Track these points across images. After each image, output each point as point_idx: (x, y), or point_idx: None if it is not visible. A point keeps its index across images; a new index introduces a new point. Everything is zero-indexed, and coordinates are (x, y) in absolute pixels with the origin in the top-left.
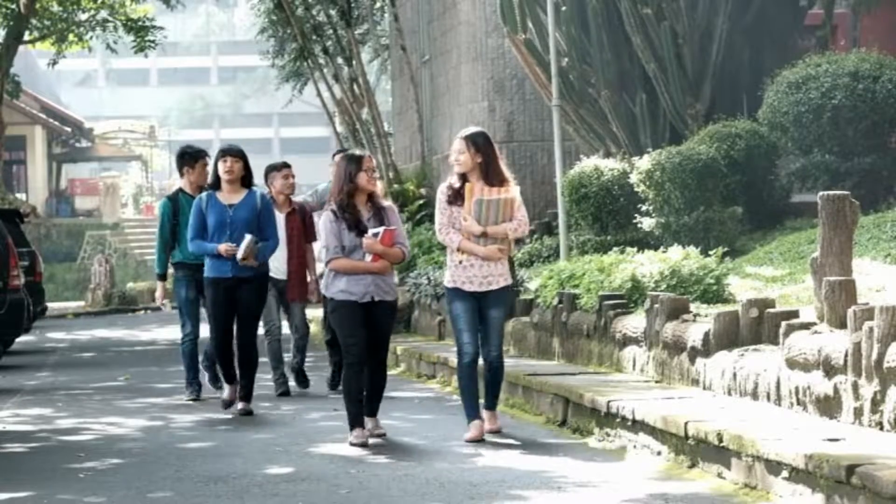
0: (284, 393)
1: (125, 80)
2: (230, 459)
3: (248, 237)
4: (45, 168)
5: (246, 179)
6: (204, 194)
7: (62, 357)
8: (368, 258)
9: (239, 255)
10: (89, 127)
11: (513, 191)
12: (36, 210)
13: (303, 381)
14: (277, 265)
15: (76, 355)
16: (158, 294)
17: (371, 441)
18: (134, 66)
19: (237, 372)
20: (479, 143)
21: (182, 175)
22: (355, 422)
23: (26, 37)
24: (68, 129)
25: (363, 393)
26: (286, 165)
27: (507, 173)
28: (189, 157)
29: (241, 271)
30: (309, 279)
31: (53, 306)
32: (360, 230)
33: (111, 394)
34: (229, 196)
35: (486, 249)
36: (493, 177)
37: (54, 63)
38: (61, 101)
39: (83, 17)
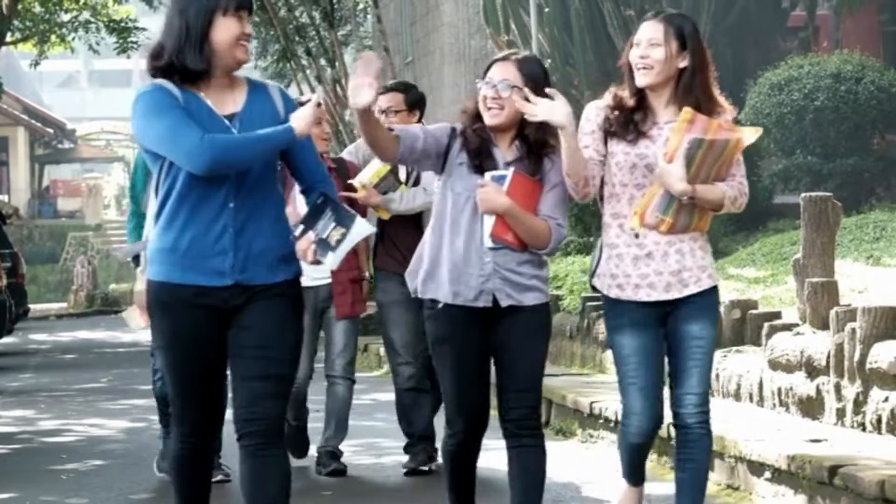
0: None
1: (108, 81)
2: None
3: (362, 223)
4: (27, 169)
5: None
6: (159, 84)
7: (44, 359)
8: (488, 224)
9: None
10: (72, 128)
11: (746, 131)
12: (18, 211)
13: (332, 463)
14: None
15: (59, 357)
16: (140, 286)
17: (361, 442)
18: (116, 67)
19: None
20: (690, 35)
21: None
22: None
23: (8, 38)
24: (51, 131)
25: (474, 481)
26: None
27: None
28: None
29: (256, 272)
30: (362, 278)
31: (36, 308)
32: (484, 169)
33: (94, 395)
34: (221, 94)
35: (683, 183)
36: (698, 97)
37: (36, 64)
38: (44, 102)
39: (65, 18)
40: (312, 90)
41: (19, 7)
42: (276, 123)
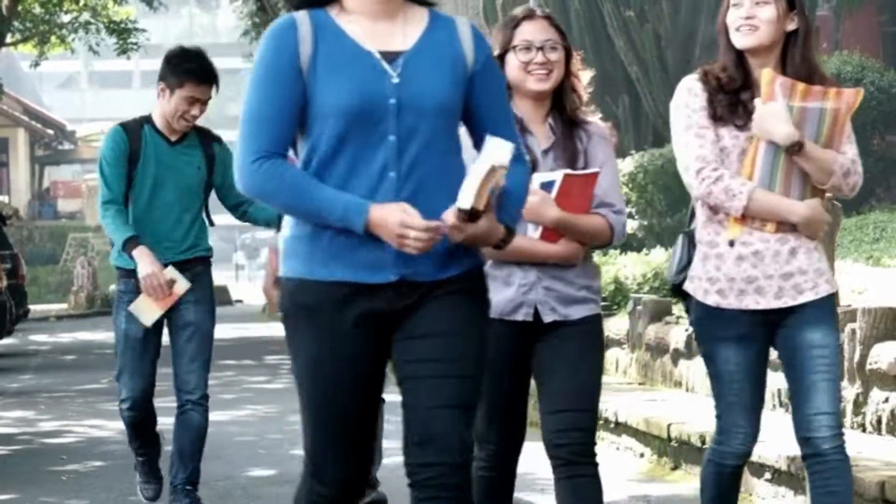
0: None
1: (108, 82)
2: (212, 462)
3: (494, 142)
4: (27, 170)
5: None
6: (287, 21)
7: (45, 360)
8: (534, 232)
9: (453, 216)
10: (72, 129)
11: (845, 94)
12: (18, 212)
13: (369, 492)
14: None
15: (59, 358)
16: (149, 268)
17: None
18: (116, 68)
19: None
20: None
21: (162, 94)
22: None
23: (8, 39)
24: (51, 132)
25: None
26: None
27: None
28: (184, 67)
29: (425, 264)
30: None
31: (36, 309)
32: None
33: (94, 396)
34: (384, 26)
35: (807, 207)
36: (805, 66)
37: (36, 65)
38: (44, 103)
39: (65, 19)
40: None
41: (19, 8)
42: (455, 71)
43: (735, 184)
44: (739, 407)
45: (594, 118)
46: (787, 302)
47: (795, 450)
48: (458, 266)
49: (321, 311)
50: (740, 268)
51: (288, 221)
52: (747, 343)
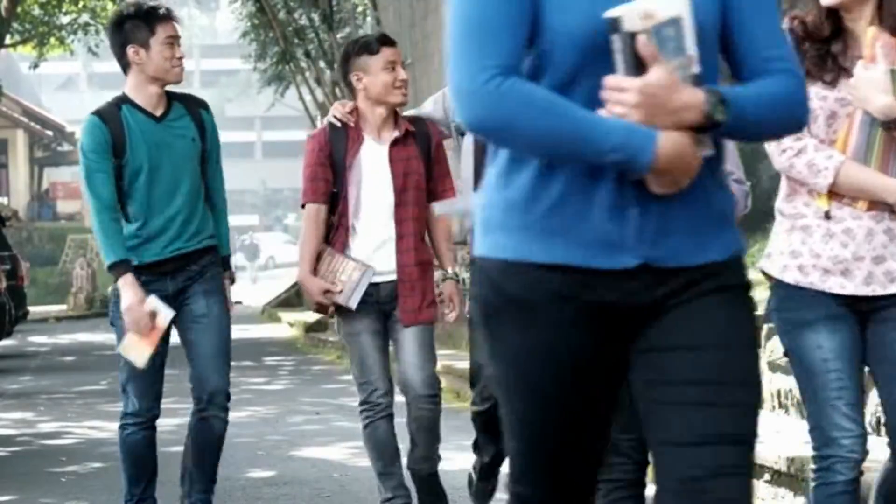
0: None
1: (107, 83)
2: None
3: None
4: (26, 172)
5: None
6: None
7: (44, 361)
8: None
9: None
10: (71, 131)
11: None
12: (17, 214)
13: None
14: (377, 254)
15: (58, 359)
16: (129, 301)
17: (352, 445)
18: (116, 69)
19: None
20: None
21: (126, 66)
22: None
23: (7, 40)
24: (50, 133)
25: None
26: (386, 42)
27: None
28: (143, 14)
29: (678, 245)
30: (442, 279)
31: (35, 310)
32: None
33: (93, 398)
34: None
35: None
36: None
37: (35, 66)
38: (43, 104)
39: (65, 20)
40: (311, 92)
41: (18, 10)
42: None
43: (820, 157)
44: (843, 405)
45: None
46: (875, 290)
47: (795, 451)
48: (718, 249)
49: (534, 306)
50: (828, 245)
51: (488, 182)
52: (840, 324)
